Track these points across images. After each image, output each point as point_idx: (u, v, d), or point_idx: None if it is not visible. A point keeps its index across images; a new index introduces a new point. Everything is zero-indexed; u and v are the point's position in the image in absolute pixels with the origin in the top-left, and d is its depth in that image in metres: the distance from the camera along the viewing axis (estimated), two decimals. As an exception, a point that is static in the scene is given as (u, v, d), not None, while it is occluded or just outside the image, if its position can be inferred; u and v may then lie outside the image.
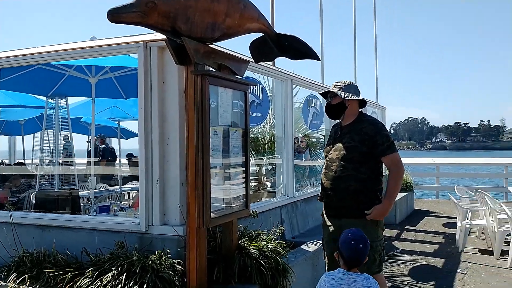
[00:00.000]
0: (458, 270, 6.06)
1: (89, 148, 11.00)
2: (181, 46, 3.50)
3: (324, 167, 3.90)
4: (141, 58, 4.14)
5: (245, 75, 5.30)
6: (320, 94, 4.18)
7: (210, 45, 3.77)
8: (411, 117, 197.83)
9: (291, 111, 6.29)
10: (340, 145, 3.75)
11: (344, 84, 3.82)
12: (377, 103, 11.51)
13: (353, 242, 2.98)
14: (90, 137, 11.33)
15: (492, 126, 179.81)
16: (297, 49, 4.23)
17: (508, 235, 6.35)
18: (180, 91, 4.02)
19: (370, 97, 11.10)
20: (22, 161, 12.57)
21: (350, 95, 3.74)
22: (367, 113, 9.65)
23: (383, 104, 11.89)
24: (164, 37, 3.65)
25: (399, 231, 8.81)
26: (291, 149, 6.33)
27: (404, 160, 13.11)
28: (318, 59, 4.34)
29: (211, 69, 3.86)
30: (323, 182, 3.84)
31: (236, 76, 4.11)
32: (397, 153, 3.72)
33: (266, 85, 6.44)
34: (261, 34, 4.17)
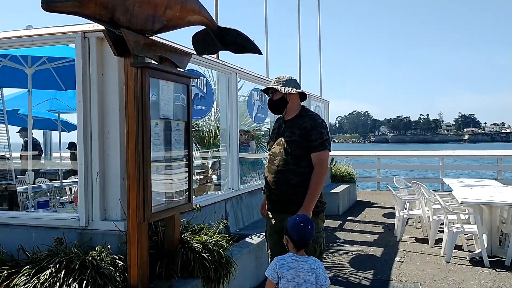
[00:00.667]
0: (395, 259, 6.31)
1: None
2: (120, 38, 3.41)
3: (267, 160, 3.94)
4: (79, 49, 4.01)
5: (189, 68, 5.26)
6: (261, 90, 4.21)
7: (150, 37, 3.71)
8: (355, 111, 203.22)
9: (235, 104, 6.30)
10: (282, 139, 3.79)
11: (283, 79, 3.86)
12: (321, 97, 11.73)
13: (302, 224, 3.16)
14: (19, 129, 10.88)
15: (431, 120, 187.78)
16: (240, 43, 4.24)
17: (442, 224, 6.66)
18: (120, 83, 3.94)
19: (314, 91, 11.31)
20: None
21: (290, 90, 3.78)
22: (311, 107, 9.85)
23: (328, 98, 12.15)
24: (103, 27, 3.55)
25: (341, 222, 9.04)
26: (236, 143, 6.35)
27: (347, 153, 13.48)
28: (260, 53, 4.36)
29: (152, 61, 3.80)
30: (266, 175, 3.89)
31: (178, 68, 4.07)
32: (327, 151, 3.73)
33: (210, 78, 6.43)
34: (204, 27, 4.14)
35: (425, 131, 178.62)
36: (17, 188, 7.04)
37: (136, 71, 3.45)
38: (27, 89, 7.09)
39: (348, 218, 9.55)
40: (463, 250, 6.65)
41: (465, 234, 6.62)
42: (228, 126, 6.26)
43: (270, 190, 3.83)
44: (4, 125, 9.15)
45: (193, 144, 7.26)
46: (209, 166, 7.31)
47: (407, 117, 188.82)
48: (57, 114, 11.86)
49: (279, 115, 4.00)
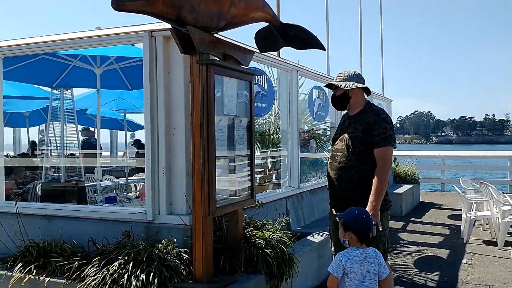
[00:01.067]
0: (463, 261, 6.06)
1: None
2: (186, 36, 3.48)
3: (329, 157, 3.89)
4: (146, 48, 4.13)
5: (250, 66, 5.29)
6: (324, 86, 4.16)
7: (215, 35, 3.76)
8: (417, 111, 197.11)
9: (296, 102, 6.27)
10: (346, 135, 3.73)
11: (346, 75, 3.79)
12: (383, 95, 11.46)
13: (364, 215, 3.21)
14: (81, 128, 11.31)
15: (497, 120, 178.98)
16: (303, 38, 4.22)
17: (512, 226, 6.34)
18: (185, 81, 4.02)
19: (376, 89, 11.05)
20: (26, 152, 12.59)
21: (351, 85, 3.71)
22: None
23: (389, 97, 11.85)
24: (169, 26, 3.64)
25: (404, 223, 8.80)
26: (296, 140, 6.32)
27: (410, 153, 13.15)
28: (323, 48, 4.33)
29: (216, 58, 3.85)
30: (328, 172, 3.84)
31: (241, 66, 4.10)
32: (391, 147, 3.60)
33: (271, 76, 6.43)
34: (266, 24, 4.16)
35: (491, 132, 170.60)
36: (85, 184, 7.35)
37: (201, 68, 3.51)
38: (96, 89, 7.38)
39: (412, 219, 9.28)
40: (535, 254, 6.29)
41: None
42: (288, 124, 6.24)
43: (332, 186, 3.79)
44: (74, 124, 9.60)
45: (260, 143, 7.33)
46: (269, 166, 7.31)
47: (471, 117, 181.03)
48: (123, 114, 12.31)
49: (345, 111, 3.93)
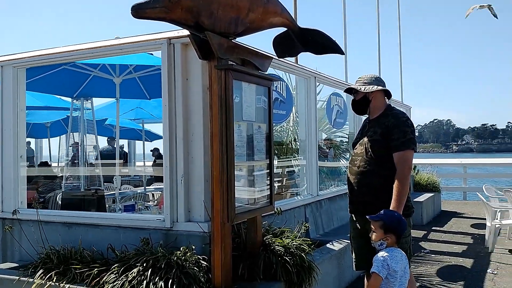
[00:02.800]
0: (488, 270, 5.91)
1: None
2: (204, 41, 3.48)
3: (349, 161, 3.84)
4: (164, 55, 4.14)
5: (268, 72, 5.28)
6: (344, 91, 4.13)
7: (233, 40, 3.75)
8: (436, 119, 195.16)
9: (314, 109, 6.22)
10: (365, 139, 3.68)
11: (365, 79, 3.75)
12: (402, 102, 11.34)
13: (396, 214, 3.25)
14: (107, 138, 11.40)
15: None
16: (321, 43, 4.19)
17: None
18: (203, 87, 4.01)
19: (395, 96, 10.96)
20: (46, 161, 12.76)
21: (370, 88, 3.66)
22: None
23: (408, 104, 11.72)
24: (187, 33, 3.64)
25: (426, 232, 8.65)
26: (315, 147, 6.27)
27: (430, 161, 12.92)
28: (342, 53, 4.28)
29: (234, 63, 3.84)
30: (348, 177, 3.78)
31: (260, 72, 4.08)
32: (411, 151, 3.51)
33: (289, 82, 6.41)
34: (284, 29, 4.14)
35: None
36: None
37: (220, 74, 3.50)
38: (115, 99, 7.46)
39: (433, 228, 9.11)
40: None
41: None
42: (307, 131, 6.19)
43: (352, 191, 3.73)
44: (94, 135, 9.70)
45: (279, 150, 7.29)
46: (286, 174, 7.24)
47: (493, 125, 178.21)
48: (141, 124, 12.40)
49: (367, 116, 3.88)
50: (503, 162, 14.85)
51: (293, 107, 6.47)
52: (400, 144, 3.49)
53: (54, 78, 6.80)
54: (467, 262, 6.35)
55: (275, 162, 7.29)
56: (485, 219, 8.02)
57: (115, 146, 10.77)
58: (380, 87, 3.67)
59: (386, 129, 3.56)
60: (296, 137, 6.93)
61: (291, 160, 7.20)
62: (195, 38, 3.53)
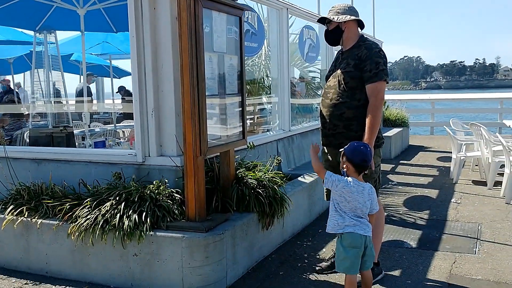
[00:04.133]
0: (452, 200, 6.15)
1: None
2: (172, -33, 3.31)
3: (322, 94, 3.82)
4: (130, -17, 3.93)
5: (239, 1, 5.11)
6: (317, 21, 4.02)
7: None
8: (406, 56, 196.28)
9: (287, 43, 6.11)
10: (338, 71, 3.64)
11: (338, 8, 3.66)
12: (374, 37, 11.26)
13: (362, 147, 3.22)
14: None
15: (487, 65, 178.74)
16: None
17: (502, 166, 6.40)
18: (172, 17, 3.86)
19: (367, 30, 10.85)
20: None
21: (344, 17, 3.59)
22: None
23: (380, 39, 11.64)
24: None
25: (394, 165, 8.88)
26: (287, 83, 6.22)
27: (399, 96, 12.98)
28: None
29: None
30: (320, 109, 3.78)
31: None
32: (383, 82, 3.49)
33: (261, 14, 6.23)
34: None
35: (480, 77, 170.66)
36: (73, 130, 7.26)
37: (189, 2, 3.36)
38: (79, 32, 7.14)
39: (401, 161, 9.35)
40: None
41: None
42: (279, 66, 6.10)
43: (324, 124, 3.74)
44: (60, 71, 9.38)
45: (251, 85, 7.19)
46: (258, 111, 7.19)
47: (461, 62, 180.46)
48: (108, 60, 12.03)
49: (340, 48, 3.81)
50: (469, 97, 15.14)
51: (265, 40, 6.34)
52: (373, 75, 3.48)
53: (14, 9, 6.45)
54: (433, 193, 6.58)
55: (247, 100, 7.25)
56: (450, 152, 8.26)
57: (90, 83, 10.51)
58: (353, 17, 3.60)
59: (359, 60, 3.53)
60: (268, 73, 6.84)
61: (262, 98, 7.13)
62: (162, -37, 3.35)
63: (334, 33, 3.69)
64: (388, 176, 7.82)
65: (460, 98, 15.10)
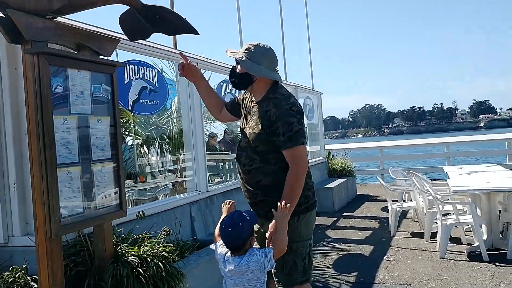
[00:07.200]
0: (384, 257, 5.69)
1: None
2: (12, 21, 2.88)
3: (235, 157, 3.22)
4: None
5: (135, 59, 4.76)
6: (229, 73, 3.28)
7: (55, 19, 3.17)
8: (368, 104, 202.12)
9: (198, 98, 5.71)
10: (248, 130, 3.07)
11: (253, 47, 3.04)
12: (312, 88, 11.09)
13: (223, 226, 2.72)
14: None
15: (445, 109, 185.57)
16: (172, 22, 3.66)
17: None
18: (12, 79, 3.43)
19: (304, 82, 10.67)
20: None
21: (258, 68, 3.00)
22: (299, 100, 9.05)
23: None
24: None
25: (335, 219, 8.45)
26: (201, 139, 5.78)
27: (344, 146, 12.70)
28: (197, 33, 3.74)
29: (59, 48, 3.27)
30: (238, 174, 3.23)
31: (102, 56, 3.52)
32: (301, 146, 2.88)
33: (168, 69, 5.87)
34: (127, 7, 3.58)
35: (440, 120, 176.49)
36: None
37: (32, 59, 2.92)
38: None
39: (344, 214, 8.95)
40: (462, 244, 6.01)
41: (464, 226, 5.99)
42: (190, 121, 5.67)
43: (244, 192, 3.17)
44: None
45: (164, 144, 6.73)
46: (177, 170, 6.69)
47: (420, 107, 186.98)
48: None
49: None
50: (417, 143, 15.05)
51: (176, 97, 5.94)
52: (287, 140, 2.87)
53: None
54: (367, 249, 6.13)
55: (170, 158, 6.77)
56: (397, 201, 7.93)
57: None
58: (269, 76, 3.03)
59: (268, 120, 2.94)
60: (181, 130, 6.40)
61: (176, 155, 6.63)
62: (0, 19, 2.92)
63: (243, 78, 3.09)
64: (326, 231, 7.37)
65: (408, 145, 14.99)
